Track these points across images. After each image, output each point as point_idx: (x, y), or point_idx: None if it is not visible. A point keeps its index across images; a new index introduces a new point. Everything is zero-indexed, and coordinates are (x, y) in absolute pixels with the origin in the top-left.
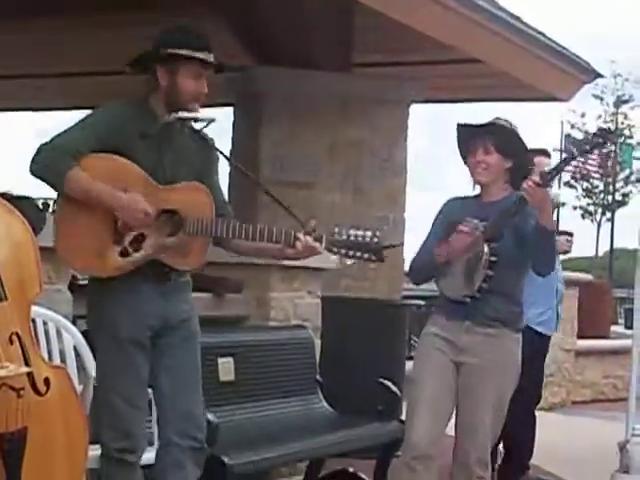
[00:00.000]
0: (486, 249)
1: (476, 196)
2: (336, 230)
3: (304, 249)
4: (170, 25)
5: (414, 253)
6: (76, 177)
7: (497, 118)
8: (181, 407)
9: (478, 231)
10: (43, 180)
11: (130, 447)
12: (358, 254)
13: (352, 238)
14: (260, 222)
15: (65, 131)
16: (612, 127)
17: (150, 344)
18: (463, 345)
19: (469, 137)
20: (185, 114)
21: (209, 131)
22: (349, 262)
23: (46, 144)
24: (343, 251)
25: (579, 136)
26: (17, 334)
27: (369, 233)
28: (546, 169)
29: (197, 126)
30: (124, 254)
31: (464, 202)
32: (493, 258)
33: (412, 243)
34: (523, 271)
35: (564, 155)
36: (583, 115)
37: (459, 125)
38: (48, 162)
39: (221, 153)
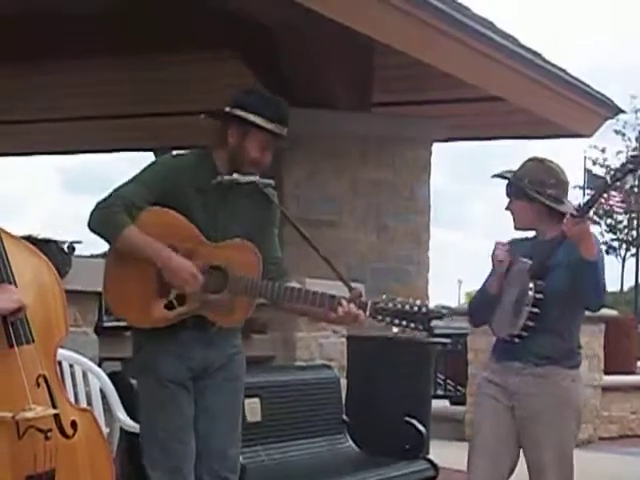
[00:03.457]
0: (531, 285)
1: (534, 237)
2: (383, 297)
3: (346, 315)
4: (251, 87)
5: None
6: (129, 235)
7: (528, 160)
8: (214, 447)
9: (526, 269)
10: (99, 236)
11: None
12: (404, 323)
13: (399, 306)
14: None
15: (122, 185)
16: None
17: (191, 385)
18: (514, 388)
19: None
20: (242, 178)
21: None
22: (395, 330)
23: (103, 200)
24: (388, 319)
25: (600, 172)
26: (44, 377)
27: (418, 302)
28: (580, 202)
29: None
30: (168, 307)
31: (522, 243)
32: (539, 295)
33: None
34: (577, 308)
35: (589, 190)
36: (603, 150)
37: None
38: (104, 219)
39: (280, 209)
